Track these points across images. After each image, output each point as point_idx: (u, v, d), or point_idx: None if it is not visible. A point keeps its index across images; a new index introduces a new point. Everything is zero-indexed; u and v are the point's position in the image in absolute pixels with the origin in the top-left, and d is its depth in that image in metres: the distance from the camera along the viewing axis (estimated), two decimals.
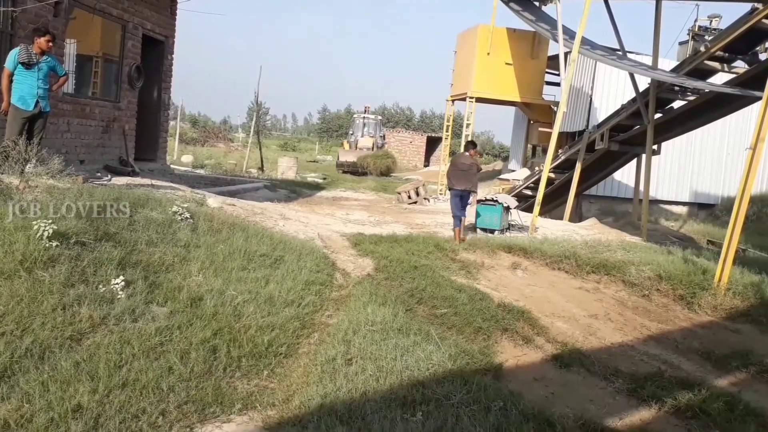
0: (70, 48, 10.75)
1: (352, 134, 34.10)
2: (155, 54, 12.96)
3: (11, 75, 7.19)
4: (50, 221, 4.98)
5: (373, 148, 31.26)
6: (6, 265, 4.54)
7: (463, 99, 20.26)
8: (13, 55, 7.22)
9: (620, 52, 15.17)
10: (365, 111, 34.96)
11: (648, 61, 15.66)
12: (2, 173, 6.49)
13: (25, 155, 6.56)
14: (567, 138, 19.62)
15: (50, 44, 7.45)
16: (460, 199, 9.99)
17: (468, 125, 20.31)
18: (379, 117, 37.33)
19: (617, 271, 8.56)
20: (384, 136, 34.52)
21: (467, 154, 10.32)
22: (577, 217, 17.45)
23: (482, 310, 6.29)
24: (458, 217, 9.89)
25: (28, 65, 7.20)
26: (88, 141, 10.76)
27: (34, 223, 4.95)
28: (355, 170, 28.34)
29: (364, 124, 33.74)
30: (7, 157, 6.56)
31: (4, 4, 8.55)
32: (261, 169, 24.92)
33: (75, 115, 10.38)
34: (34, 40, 7.37)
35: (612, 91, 19.44)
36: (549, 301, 7.46)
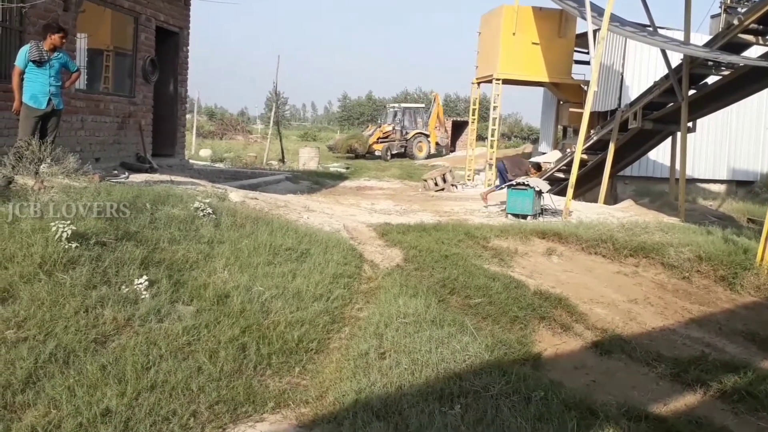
0: (81, 42, 10.77)
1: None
2: (170, 46, 12.98)
3: (22, 73, 7.16)
4: (68, 222, 4.98)
5: (380, 135, 33.00)
6: (25, 268, 4.55)
7: (489, 81, 20.03)
8: (23, 53, 7.17)
9: (651, 28, 14.91)
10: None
11: (680, 36, 15.35)
12: (17, 174, 6.51)
13: (39, 155, 6.56)
14: (598, 118, 19.29)
15: (63, 41, 7.42)
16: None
17: (495, 108, 20.09)
18: (405, 105, 37.61)
19: (656, 254, 8.45)
20: (416, 121, 34.60)
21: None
22: (612, 199, 17.19)
23: (518, 299, 6.23)
24: None
25: (39, 63, 7.16)
26: (104, 138, 10.80)
27: (52, 224, 4.95)
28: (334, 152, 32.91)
29: (395, 113, 35.21)
30: (21, 158, 6.58)
31: (13, 0, 8.58)
32: (282, 160, 24.93)
33: (89, 112, 10.42)
34: (45, 37, 7.32)
35: (644, 68, 19.04)
36: (586, 287, 7.37)
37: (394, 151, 32.86)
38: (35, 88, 7.21)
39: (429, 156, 33.42)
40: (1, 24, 8.66)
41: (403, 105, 37.38)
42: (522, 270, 7.58)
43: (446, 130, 37.68)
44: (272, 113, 28.93)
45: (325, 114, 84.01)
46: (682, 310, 6.99)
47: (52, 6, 9.13)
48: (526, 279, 7.16)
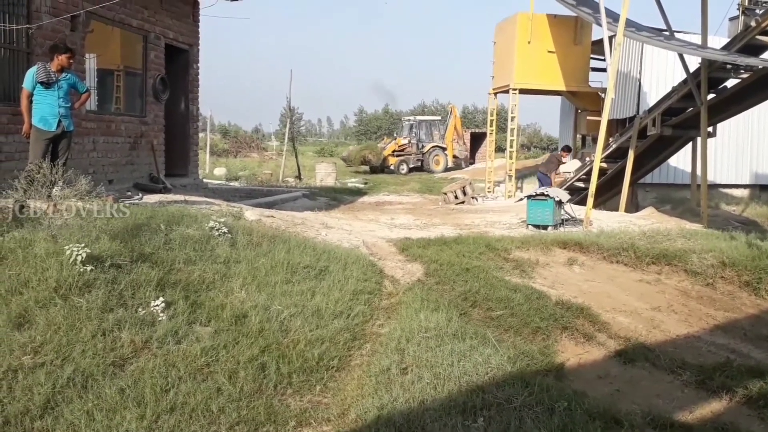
0: (90, 63, 10.90)
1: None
2: (180, 64, 13.11)
3: (31, 95, 7.21)
4: (83, 245, 5.00)
5: (395, 148, 33.23)
6: (41, 293, 4.57)
7: (506, 91, 20.02)
8: (31, 75, 7.24)
9: (667, 33, 14.85)
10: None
11: (697, 40, 15.31)
12: (29, 198, 6.56)
13: (51, 178, 6.61)
14: (617, 125, 19.22)
15: (71, 61, 7.48)
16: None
17: (513, 118, 20.06)
18: (421, 118, 37.66)
19: (679, 261, 8.39)
20: (432, 134, 34.58)
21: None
22: (633, 207, 17.07)
23: (539, 310, 6.21)
24: None
25: (47, 84, 7.21)
26: (116, 159, 10.90)
27: (66, 248, 4.97)
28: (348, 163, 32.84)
29: (411, 126, 35.32)
30: (32, 181, 6.62)
31: (20, 21, 8.70)
32: (298, 177, 25.01)
33: (100, 133, 10.52)
34: (52, 58, 7.39)
35: (661, 74, 18.94)
36: (609, 295, 7.35)
37: (411, 165, 32.90)
38: (44, 110, 7.26)
39: (446, 169, 33.41)
40: (8, 46, 8.76)
41: (419, 118, 37.36)
42: (543, 281, 7.55)
43: (465, 143, 37.64)
44: (287, 129, 29.13)
45: (342, 129, 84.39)
46: (706, 317, 6.97)
47: (59, 26, 9.24)
48: (548, 289, 7.12)
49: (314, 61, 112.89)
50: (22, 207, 6.30)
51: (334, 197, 17.23)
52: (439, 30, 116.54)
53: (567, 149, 17.54)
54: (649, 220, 12.76)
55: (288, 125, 29.33)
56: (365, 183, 24.77)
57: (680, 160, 18.78)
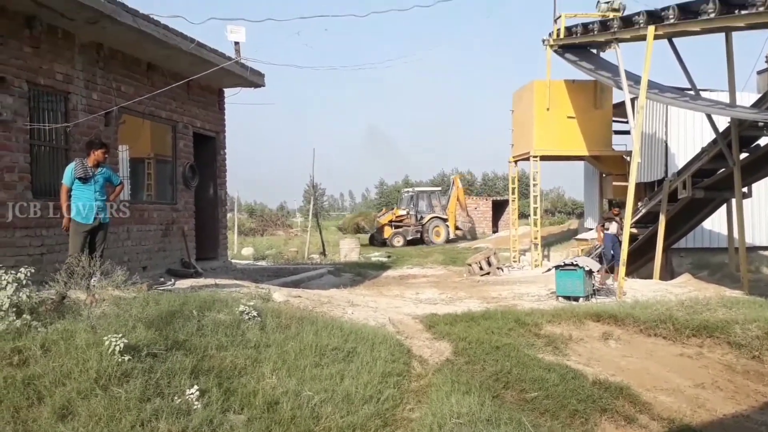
0: (123, 155, 11.53)
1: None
2: (207, 150, 13.74)
3: (69, 191, 7.66)
4: (120, 335, 5.25)
5: (392, 218, 33.74)
6: (82, 384, 4.79)
7: (526, 159, 20.34)
8: (69, 171, 7.69)
9: (692, 92, 14.99)
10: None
11: (724, 97, 15.34)
12: (69, 289, 6.92)
13: (89, 269, 6.97)
14: (645, 189, 19.24)
15: (106, 156, 7.97)
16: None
17: (535, 185, 20.30)
18: (420, 189, 37.97)
19: (721, 332, 8.24)
20: (431, 205, 34.74)
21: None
22: (668, 273, 16.89)
23: (576, 390, 6.16)
24: None
25: (84, 179, 7.66)
26: (149, 246, 11.36)
27: (105, 338, 5.22)
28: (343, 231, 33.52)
29: (411, 198, 35.64)
30: (72, 273, 6.98)
31: (58, 119, 9.35)
32: (323, 253, 25.46)
33: (134, 222, 11.01)
34: (88, 153, 7.84)
35: (689, 134, 19.02)
36: (648, 372, 7.25)
37: (409, 237, 32.82)
38: (82, 204, 7.67)
39: (448, 240, 33.09)
40: (47, 144, 9.38)
41: (418, 189, 37.56)
42: (578, 358, 7.51)
43: (468, 215, 37.36)
44: (311, 206, 29.82)
45: (363, 202, 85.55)
46: (754, 394, 6.77)
47: (93, 122, 9.89)
48: (584, 367, 7.08)
49: (334, 136, 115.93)
50: (63, 298, 6.65)
51: (359, 272, 17.45)
52: (456, 100, 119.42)
53: (618, 205, 16.36)
54: (686, 288, 12.63)
55: (312, 202, 30.09)
56: (389, 257, 25.07)
57: (715, 223, 18.58)
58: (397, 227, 33.32)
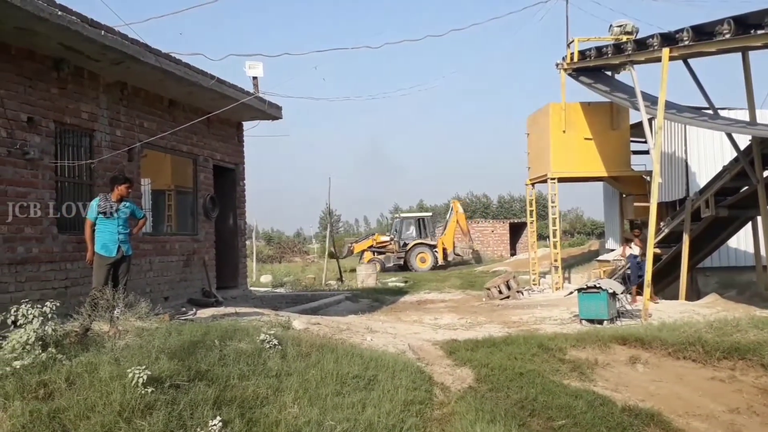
0: (146, 188, 11.72)
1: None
2: (227, 181, 13.92)
3: (93, 225, 7.86)
4: (143, 367, 5.28)
5: (372, 244, 34.64)
6: (106, 417, 4.80)
7: (544, 181, 20.29)
8: (93, 206, 7.92)
9: (710, 111, 14.93)
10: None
11: (743, 115, 15.31)
12: (93, 321, 6.99)
13: (112, 302, 7.06)
14: (666, 208, 19.07)
15: (129, 191, 8.16)
16: None
17: (553, 207, 20.21)
18: (404, 215, 37.77)
19: (753, 354, 8.03)
20: (421, 231, 34.61)
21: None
22: (694, 294, 16.63)
23: (605, 418, 6.03)
24: None
25: (108, 214, 7.86)
26: (171, 277, 11.46)
27: (129, 370, 5.25)
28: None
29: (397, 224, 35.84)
30: (96, 305, 7.08)
31: (81, 155, 9.56)
32: (340, 279, 25.51)
33: (156, 253, 11.15)
34: (112, 188, 8.06)
35: (709, 152, 18.87)
36: (679, 397, 7.08)
37: (391, 263, 33.04)
38: (105, 238, 7.87)
39: (436, 267, 32.81)
40: (72, 180, 9.60)
41: (403, 215, 37.49)
42: (605, 383, 7.37)
43: (470, 239, 37.12)
44: (327, 233, 30.01)
45: (378, 227, 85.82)
46: None
47: (117, 158, 10.10)
48: (612, 393, 6.95)
49: (348, 162, 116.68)
50: (87, 330, 6.74)
51: (376, 298, 17.42)
52: (469, 124, 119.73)
53: (639, 227, 16.35)
54: (713, 309, 12.42)
55: (329, 230, 30.31)
56: (405, 281, 25.06)
57: (741, 241, 18.33)
58: (379, 253, 33.60)
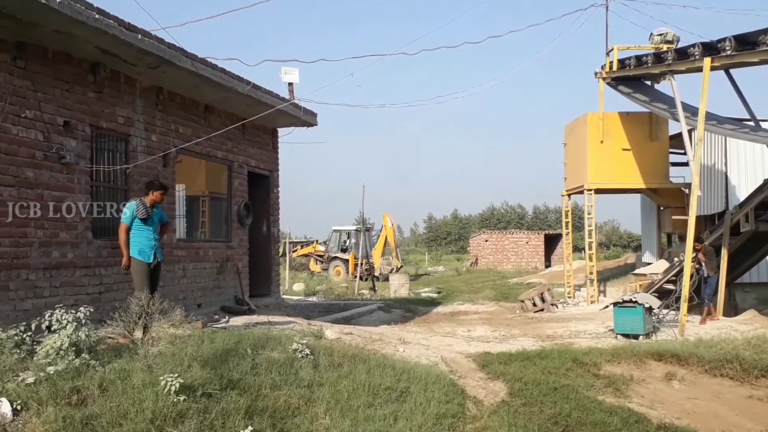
0: (180, 194, 11.79)
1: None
2: (261, 188, 13.97)
3: (128, 229, 7.77)
4: (176, 375, 5.30)
5: (311, 251, 37.96)
6: (138, 424, 4.82)
7: (580, 192, 20.02)
8: (130, 210, 7.81)
9: (752, 123, 14.60)
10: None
11: None
12: (128, 328, 7.06)
13: (147, 309, 7.12)
14: (705, 222, 18.66)
15: (163, 197, 8.17)
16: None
17: (590, 218, 19.91)
18: (336, 228, 37.05)
19: None
20: (352, 244, 34.46)
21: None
22: (732, 309, 16.24)
23: None
24: None
25: (145, 220, 7.82)
26: (204, 284, 11.51)
27: (161, 378, 5.27)
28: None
29: (342, 233, 36.19)
30: (141, 311, 7.11)
31: (117, 160, 9.66)
32: (373, 289, 25.49)
33: (189, 260, 11.19)
34: (147, 193, 8.02)
35: (749, 165, 18.46)
36: (716, 416, 6.95)
37: (317, 270, 35.67)
38: (142, 243, 7.82)
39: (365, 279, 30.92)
40: (107, 184, 9.63)
41: (334, 228, 37.12)
42: (641, 400, 7.24)
43: (397, 256, 36.29)
44: (360, 244, 30.07)
45: (412, 236, 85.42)
46: None
47: (152, 163, 10.18)
48: (647, 410, 6.83)
49: (383, 172, 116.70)
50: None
51: (409, 309, 17.35)
52: (505, 133, 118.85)
53: (700, 239, 14.51)
54: (751, 325, 12.13)
55: (363, 240, 30.30)
56: (438, 292, 24.91)
57: None
58: (318, 260, 36.51)
